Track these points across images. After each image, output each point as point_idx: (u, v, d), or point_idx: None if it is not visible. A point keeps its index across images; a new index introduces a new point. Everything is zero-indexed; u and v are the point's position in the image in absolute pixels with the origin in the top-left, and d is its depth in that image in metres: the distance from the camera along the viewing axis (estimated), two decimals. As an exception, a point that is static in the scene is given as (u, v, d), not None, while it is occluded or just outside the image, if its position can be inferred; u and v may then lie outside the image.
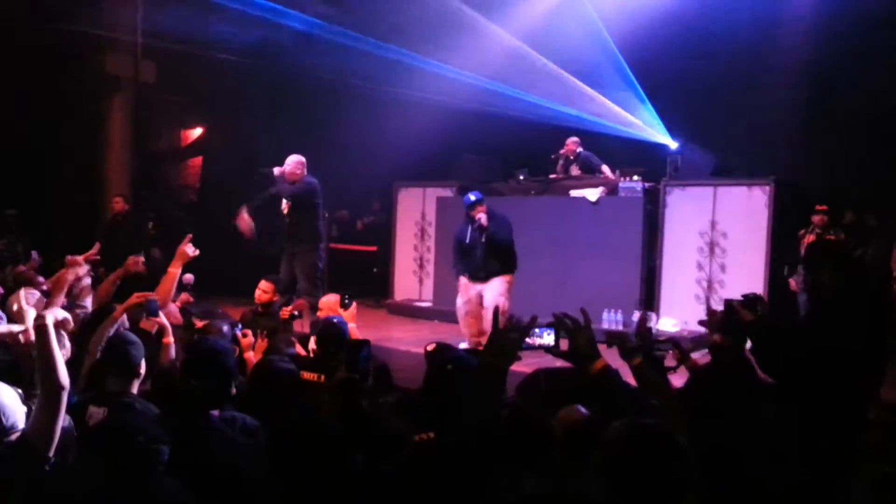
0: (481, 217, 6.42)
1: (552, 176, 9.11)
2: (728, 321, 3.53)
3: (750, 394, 2.93)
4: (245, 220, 6.93)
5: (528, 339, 2.59)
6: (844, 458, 2.74)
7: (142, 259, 4.51)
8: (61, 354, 2.44)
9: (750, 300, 3.35)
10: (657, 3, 9.40)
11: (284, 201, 6.94)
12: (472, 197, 6.58)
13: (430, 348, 3.96)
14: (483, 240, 6.43)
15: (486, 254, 6.48)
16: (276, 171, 6.87)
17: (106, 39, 10.29)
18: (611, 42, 10.43)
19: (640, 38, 9.85)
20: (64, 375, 2.37)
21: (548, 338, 2.64)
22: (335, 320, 4.41)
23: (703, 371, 3.46)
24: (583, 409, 2.59)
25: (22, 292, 3.81)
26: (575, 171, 9.00)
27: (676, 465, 1.88)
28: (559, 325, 2.60)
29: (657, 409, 2.61)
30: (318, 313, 5.44)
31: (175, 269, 4.24)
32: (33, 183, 9.68)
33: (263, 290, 5.66)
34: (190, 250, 4.29)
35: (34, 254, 6.99)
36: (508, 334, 2.45)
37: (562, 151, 9.20)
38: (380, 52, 10.65)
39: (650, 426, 1.99)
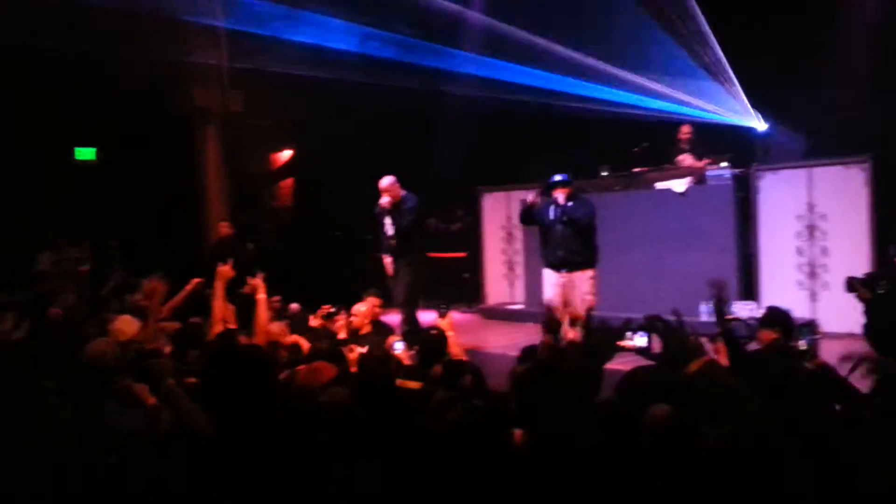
0: (558, 196, 6.35)
1: (635, 170, 8.97)
2: (776, 317, 3.58)
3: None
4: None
5: (620, 342, 2.64)
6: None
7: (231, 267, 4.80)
8: None
9: (871, 278, 3.34)
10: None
11: (389, 222, 7.03)
12: (557, 177, 6.47)
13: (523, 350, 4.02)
14: (564, 219, 6.33)
15: (565, 236, 6.36)
16: (383, 202, 6.97)
17: (194, 73, 10.87)
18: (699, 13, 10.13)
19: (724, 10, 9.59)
20: None
21: (640, 340, 2.67)
22: (435, 331, 4.55)
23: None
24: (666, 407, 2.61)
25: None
26: (689, 159, 8.66)
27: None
28: (651, 327, 2.62)
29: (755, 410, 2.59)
30: (353, 319, 5.64)
31: (262, 295, 4.58)
32: (134, 213, 10.29)
33: (377, 304, 5.84)
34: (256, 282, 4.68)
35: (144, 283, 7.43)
36: (601, 337, 2.50)
37: (681, 137, 8.94)
38: (459, 62, 10.83)
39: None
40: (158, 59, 9.73)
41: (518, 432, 2.71)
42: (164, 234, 10.52)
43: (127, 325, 4.33)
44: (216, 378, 3.36)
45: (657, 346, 2.83)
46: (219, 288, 4.61)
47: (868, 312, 3.18)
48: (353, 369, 4.41)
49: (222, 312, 4.43)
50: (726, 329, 3.45)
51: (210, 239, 10.50)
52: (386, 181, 7.00)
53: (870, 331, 3.16)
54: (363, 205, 10.61)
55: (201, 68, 10.94)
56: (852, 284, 3.31)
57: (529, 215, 6.64)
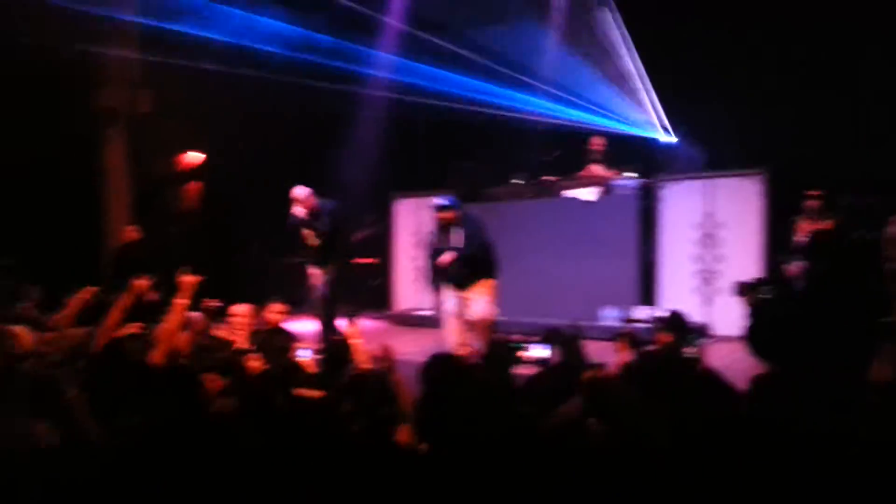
0: (442, 224, 6.10)
1: (545, 178, 9.18)
2: (674, 322, 3.77)
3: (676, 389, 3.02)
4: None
5: (521, 354, 2.72)
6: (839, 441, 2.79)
7: (149, 284, 4.50)
8: None
9: (757, 283, 3.49)
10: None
11: (308, 232, 6.89)
12: (437, 202, 6.27)
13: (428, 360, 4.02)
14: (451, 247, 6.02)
15: (457, 265, 6.01)
16: (297, 212, 6.82)
17: (100, 72, 10.43)
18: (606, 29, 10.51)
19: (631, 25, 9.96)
20: None
21: (540, 352, 2.77)
22: (340, 338, 4.49)
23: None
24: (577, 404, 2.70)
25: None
26: (599, 169, 8.88)
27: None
28: (551, 339, 2.73)
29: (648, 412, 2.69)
30: (231, 319, 5.47)
31: (183, 300, 4.17)
32: (32, 216, 9.75)
33: (281, 311, 5.64)
34: (191, 279, 4.26)
35: (35, 291, 7.04)
36: (501, 351, 2.56)
37: (592, 148, 9.15)
38: (372, 65, 10.81)
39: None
40: (61, 55, 9.26)
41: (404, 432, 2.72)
42: (64, 239, 10.03)
43: (22, 335, 4.05)
44: (102, 390, 3.22)
45: (556, 357, 2.92)
46: (125, 300, 4.34)
47: (750, 317, 3.35)
48: (253, 378, 4.31)
49: (115, 323, 4.20)
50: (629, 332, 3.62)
51: (113, 243, 10.07)
52: (300, 192, 6.82)
53: (750, 335, 3.34)
54: (273, 208, 10.38)
55: (108, 65, 10.51)
56: (739, 288, 3.48)
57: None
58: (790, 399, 2.81)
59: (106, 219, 10.63)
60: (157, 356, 3.91)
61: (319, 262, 6.99)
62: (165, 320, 4.09)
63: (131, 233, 9.41)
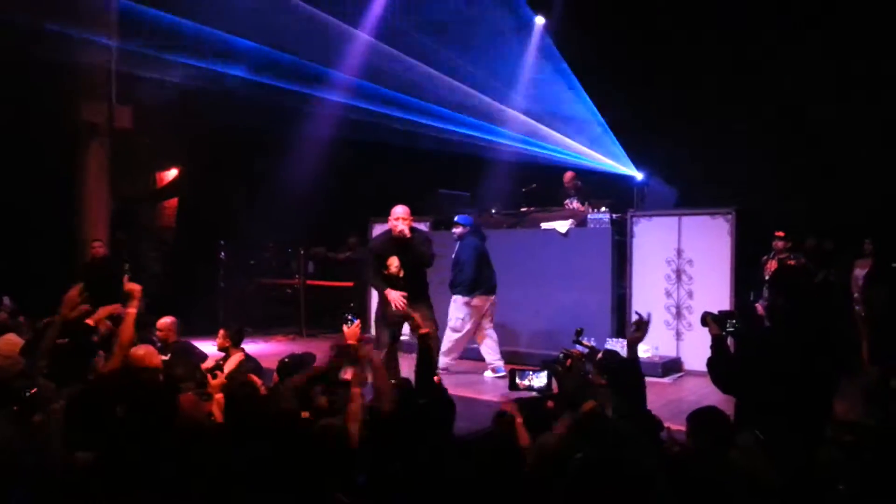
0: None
1: (523, 209, 9.35)
2: (606, 362, 3.86)
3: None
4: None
5: (519, 381, 2.76)
6: (801, 475, 2.88)
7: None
8: None
9: (723, 315, 3.53)
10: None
11: (395, 258, 5.97)
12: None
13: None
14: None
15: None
16: (402, 229, 5.89)
17: (80, 86, 10.41)
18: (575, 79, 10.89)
19: (604, 73, 10.25)
20: None
21: (538, 380, 2.82)
22: (288, 358, 4.58)
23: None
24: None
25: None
26: (575, 204, 9.16)
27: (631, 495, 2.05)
28: (549, 368, 2.78)
29: (641, 447, 2.76)
30: (158, 333, 5.57)
31: (132, 309, 4.16)
32: (8, 230, 9.66)
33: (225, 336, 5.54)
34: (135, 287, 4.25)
35: (6, 299, 6.96)
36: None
37: (565, 182, 9.52)
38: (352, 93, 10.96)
39: (605, 458, 2.14)
40: (44, 70, 9.24)
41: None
42: (40, 251, 9.93)
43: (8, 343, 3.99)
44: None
45: (555, 386, 2.95)
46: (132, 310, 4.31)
47: (713, 348, 3.44)
48: (216, 396, 4.28)
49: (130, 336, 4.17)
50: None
51: (84, 258, 9.98)
52: (403, 209, 5.98)
53: (711, 367, 3.43)
54: (250, 227, 10.38)
55: (89, 81, 10.50)
56: (705, 319, 3.55)
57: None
58: (725, 435, 2.86)
59: (83, 233, 10.53)
60: (114, 362, 3.91)
61: (409, 293, 5.96)
62: (121, 329, 4.10)
63: (98, 248, 9.34)
